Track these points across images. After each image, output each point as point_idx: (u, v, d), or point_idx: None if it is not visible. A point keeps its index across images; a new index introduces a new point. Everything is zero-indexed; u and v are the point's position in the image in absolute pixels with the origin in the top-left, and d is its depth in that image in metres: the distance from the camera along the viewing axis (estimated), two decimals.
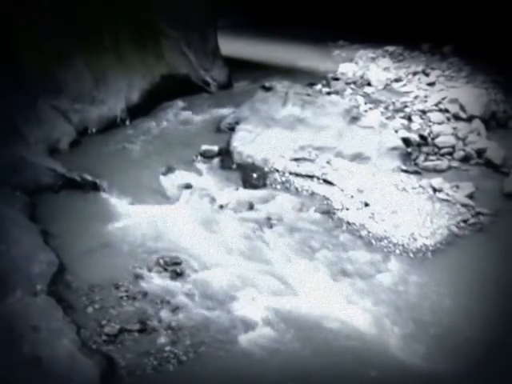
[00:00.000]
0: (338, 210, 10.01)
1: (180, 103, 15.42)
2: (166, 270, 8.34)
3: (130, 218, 9.74)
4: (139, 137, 13.31)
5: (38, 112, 12.45)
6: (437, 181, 10.64)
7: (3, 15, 12.14)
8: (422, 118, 13.02)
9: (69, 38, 13.51)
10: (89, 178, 10.92)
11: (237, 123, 13.07)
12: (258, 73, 17.37)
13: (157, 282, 8.11)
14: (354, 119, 12.48)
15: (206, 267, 8.46)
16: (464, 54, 16.14)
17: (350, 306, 7.76)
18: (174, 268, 8.36)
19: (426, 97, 13.98)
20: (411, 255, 8.88)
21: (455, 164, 11.72)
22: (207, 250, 8.86)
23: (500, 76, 14.61)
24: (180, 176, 11.28)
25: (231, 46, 19.18)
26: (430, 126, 12.67)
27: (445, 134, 12.34)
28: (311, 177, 10.94)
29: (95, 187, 10.79)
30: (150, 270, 8.32)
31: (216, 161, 11.99)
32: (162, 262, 8.46)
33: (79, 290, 7.84)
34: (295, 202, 10.28)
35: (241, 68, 17.89)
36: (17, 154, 10.79)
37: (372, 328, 7.35)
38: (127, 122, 14.13)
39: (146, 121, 14.31)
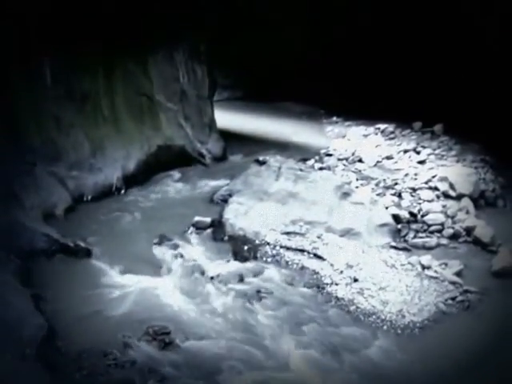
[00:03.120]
0: (327, 284, 10.08)
1: (175, 174, 15.69)
2: (154, 339, 8.35)
3: (122, 286, 9.81)
4: (134, 206, 13.50)
5: (35, 178, 12.70)
6: (426, 258, 10.75)
7: (6, 84, 12.52)
8: (412, 196, 13.22)
9: (69, 108, 13.93)
10: (82, 244, 11.06)
11: (230, 195, 13.28)
12: (253, 147, 17.65)
13: (145, 350, 8.12)
14: (345, 195, 12.70)
15: (194, 338, 8.49)
16: (454, 133, 16.45)
17: (337, 381, 7.76)
18: (163, 338, 8.37)
19: (416, 174, 14.20)
20: (399, 331, 8.90)
21: (444, 241, 11.81)
22: (196, 321, 8.91)
23: (489, 155, 14.89)
24: (172, 246, 11.40)
25: (227, 120, 19.60)
26: (419, 204, 12.85)
27: (434, 211, 12.51)
28: (302, 251, 11.04)
29: (88, 254, 10.92)
30: (139, 339, 8.33)
31: (208, 232, 12.14)
32: (151, 331, 8.48)
33: (68, 355, 7.85)
34: (285, 276, 10.37)
35: (236, 141, 18.23)
36: (12, 218, 10.94)
37: None
38: (123, 191, 14.37)
39: (141, 190, 14.55)
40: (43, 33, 12.87)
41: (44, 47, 13.07)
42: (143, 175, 15.15)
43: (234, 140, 18.19)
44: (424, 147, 16.14)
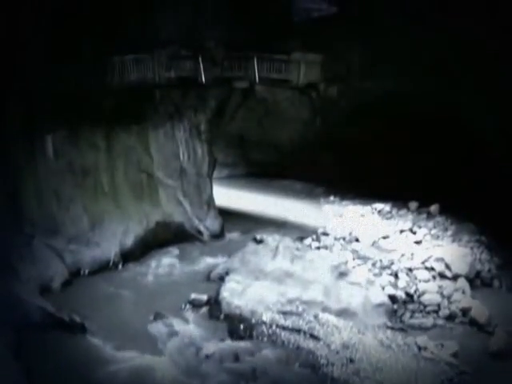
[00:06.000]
0: (323, 365, 10.01)
1: (173, 250, 15.70)
2: None
3: (115, 363, 9.77)
4: (130, 282, 13.50)
5: (33, 250, 12.83)
6: (422, 339, 10.73)
7: (9, 158, 12.76)
8: (409, 276, 13.26)
9: (69, 182, 14.16)
10: (77, 319, 11.05)
11: (227, 273, 13.32)
12: (251, 224, 17.70)
13: None
14: (342, 275, 12.77)
15: None
16: (450, 213, 16.63)
17: None
18: None
19: (412, 255, 14.26)
20: None
21: (440, 322, 11.81)
22: None
23: (484, 236, 15.00)
24: (167, 323, 11.40)
25: (226, 197, 19.74)
26: (416, 284, 12.89)
27: (430, 291, 12.54)
28: (298, 331, 11.00)
29: (83, 329, 10.90)
30: None
31: (204, 310, 12.14)
32: None
33: None
34: (281, 356, 10.30)
35: (234, 219, 18.32)
36: (8, 290, 10.94)
37: None
38: (120, 266, 14.39)
39: (138, 266, 14.56)
40: (46, 109, 13.22)
41: (47, 123, 13.42)
42: (141, 251, 15.19)
43: (232, 217, 18.31)
44: (420, 227, 16.26)
